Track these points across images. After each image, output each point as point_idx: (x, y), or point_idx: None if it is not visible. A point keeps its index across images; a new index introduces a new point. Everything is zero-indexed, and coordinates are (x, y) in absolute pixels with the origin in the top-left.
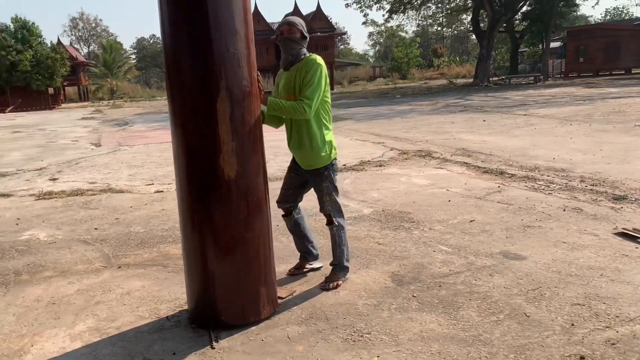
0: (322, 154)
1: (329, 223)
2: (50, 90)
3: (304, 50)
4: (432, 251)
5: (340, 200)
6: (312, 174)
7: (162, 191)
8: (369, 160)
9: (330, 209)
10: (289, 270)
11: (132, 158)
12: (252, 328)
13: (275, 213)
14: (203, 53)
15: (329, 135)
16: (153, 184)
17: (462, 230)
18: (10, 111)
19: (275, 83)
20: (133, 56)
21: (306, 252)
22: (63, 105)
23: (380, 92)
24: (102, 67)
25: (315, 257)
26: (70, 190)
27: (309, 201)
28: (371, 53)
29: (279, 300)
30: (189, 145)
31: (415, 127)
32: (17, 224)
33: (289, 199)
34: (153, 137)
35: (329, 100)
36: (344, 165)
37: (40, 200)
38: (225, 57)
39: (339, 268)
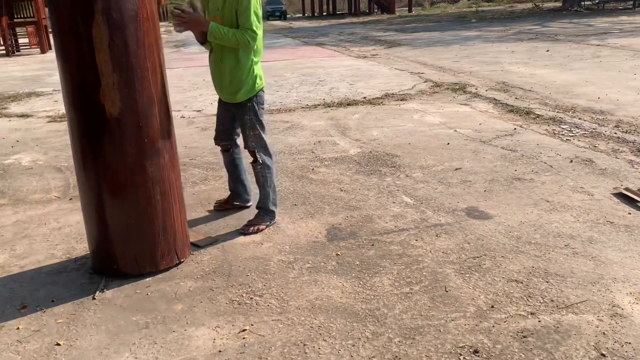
0: (246, 87)
1: (253, 161)
2: None
3: None
4: (391, 202)
5: (266, 136)
6: (235, 107)
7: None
8: (393, 93)
9: (255, 145)
10: (215, 203)
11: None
12: (147, 279)
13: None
14: None
15: (255, 67)
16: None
17: (440, 179)
18: None
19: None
20: None
21: (236, 194)
22: None
23: (459, 15)
24: None
25: (244, 202)
26: None
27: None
28: None
29: (197, 249)
30: (70, 76)
31: (468, 57)
32: (12, 147)
33: (223, 136)
34: (198, 59)
35: (261, 33)
36: (364, 97)
37: (51, 122)
38: None
39: (263, 211)
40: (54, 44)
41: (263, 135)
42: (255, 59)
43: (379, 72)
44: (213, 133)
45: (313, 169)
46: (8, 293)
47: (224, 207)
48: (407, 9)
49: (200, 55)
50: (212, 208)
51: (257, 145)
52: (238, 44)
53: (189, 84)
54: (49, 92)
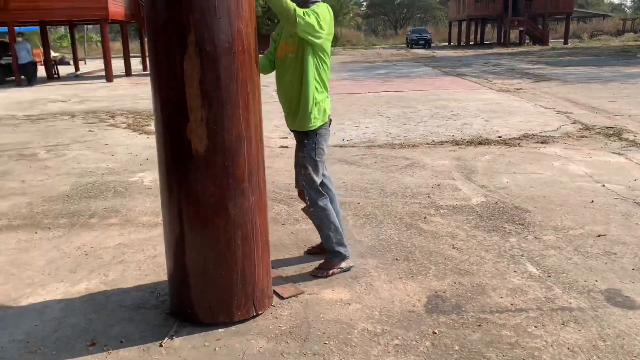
0: (309, 113)
1: (304, 202)
2: None
3: None
4: (512, 270)
5: (319, 178)
6: (297, 137)
7: (287, 147)
8: (533, 134)
9: (304, 185)
10: (308, 249)
11: None
12: (220, 330)
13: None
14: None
15: (321, 97)
16: (287, 137)
17: (577, 246)
18: None
19: (274, 34)
20: (364, 3)
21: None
22: None
23: (622, 49)
24: None
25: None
26: None
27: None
28: (628, 3)
29: (279, 299)
30: (160, 108)
31: (629, 97)
32: (140, 164)
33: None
34: (332, 87)
35: (328, 61)
36: (499, 136)
37: None
38: (196, 4)
39: (330, 254)
40: (149, 73)
41: (314, 177)
42: (318, 87)
43: (520, 109)
44: (330, 165)
45: (425, 218)
46: (85, 324)
47: (316, 252)
48: (562, 40)
49: (335, 83)
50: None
51: (307, 186)
52: (287, 13)
53: None
54: None
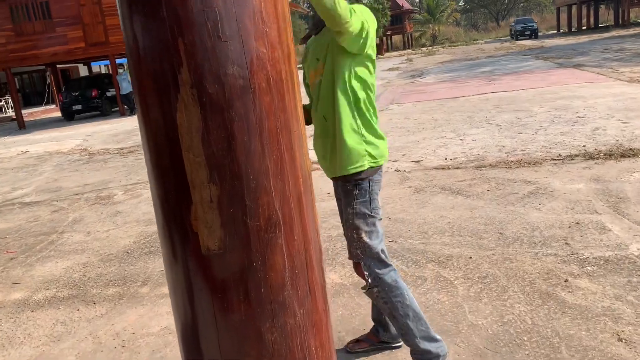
0: (354, 150)
1: (365, 280)
2: (377, 41)
3: None
4: None
5: (379, 242)
6: (339, 187)
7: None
8: None
9: (360, 254)
10: (347, 344)
11: (387, 120)
12: None
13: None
14: (152, 11)
15: (369, 130)
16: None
17: None
18: None
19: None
20: None
21: (379, 324)
22: (386, 54)
23: None
24: (426, 12)
25: (393, 336)
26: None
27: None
28: None
29: None
30: (155, 184)
31: None
32: None
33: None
34: (431, 92)
35: (373, 81)
36: None
37: None
38: (186, 21)
39: (415, 355)
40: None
41: (373, 241)
42: (365, 113)
43: None
44: (429, 196)
45: (567, 281)
46: None
47: (362, 347)
48: None
49: (434, 86)
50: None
51: (363, 256)
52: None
53: (414, 123)
54: None
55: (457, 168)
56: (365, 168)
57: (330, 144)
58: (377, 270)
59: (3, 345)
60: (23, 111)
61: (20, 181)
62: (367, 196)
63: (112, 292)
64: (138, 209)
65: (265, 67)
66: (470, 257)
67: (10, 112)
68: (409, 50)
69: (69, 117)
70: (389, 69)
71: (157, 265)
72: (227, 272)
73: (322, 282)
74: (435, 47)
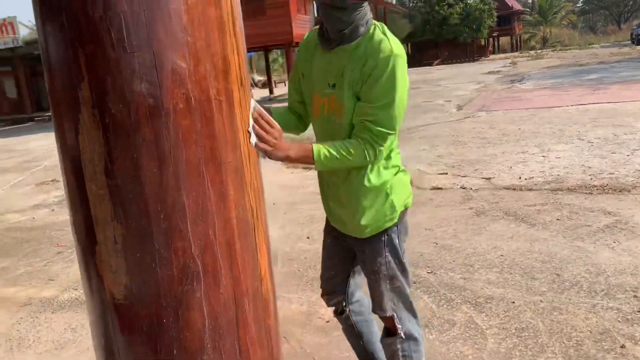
0: (378, 213)
1: (388, 334)
2: (482, 42)
3: (367, 16)
4: None
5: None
6: (358, 243)
7: (441, 188)
8: None
9: (394, 307)
10: None
11: (470, 129)
12: None
13: None
14: (54, 16)
15: (394, 175)
16: (447, 173)
17: None
18: (437, 64)
19: (293, 66)
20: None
21: None
22: (491, 56)
23: None
24: (537, 14)
25: None
26: None
27: None
28: None
29: None
30: (72, 218)
31: None
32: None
33: (334, 285)
34: (527, 99)
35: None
36: None
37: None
38: (87, 28)
39: None
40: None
41: (407, 289)
42: (393, 163)
43: None
44: (489, 222)
45: (623, 347)
46: None
47: None
48: None
49: (531, 94)
50: None
51: (398, 307)
52: (357, 161)
53: (498, 134)
54: None
55: (530, 189)
56: (394, 222)
57: (344, 199)
58: (409, 323)
59: (11, 348)
60: None
61: None
62: (399, 241)
63: None
64: None
65: (184, 84)
66: (514, 302)
67: None
68: (516, 53)
69: None
70: (489, 72)
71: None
72: (135, 326)
73: (267, 340)
74: (544, 50)
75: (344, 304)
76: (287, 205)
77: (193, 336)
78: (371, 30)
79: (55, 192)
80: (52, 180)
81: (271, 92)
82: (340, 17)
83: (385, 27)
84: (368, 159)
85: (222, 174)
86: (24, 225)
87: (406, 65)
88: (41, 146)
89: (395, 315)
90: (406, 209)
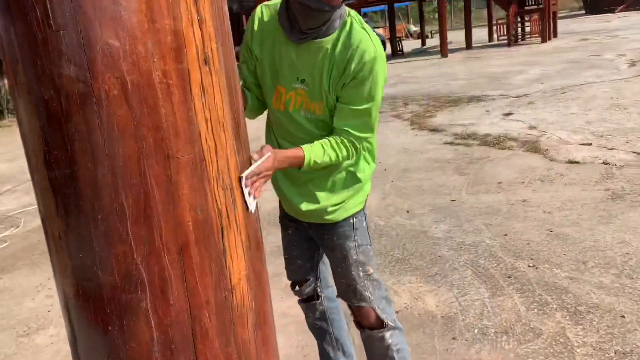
0: (354, 196)
1: (370, 327)
2: None
3: (343, 8)
4: None
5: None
6: (327, 229)
7: (579, 162)
8: None
9: (370, 297)
10: None
11: (638, 91)
12: None
13: None
14: None
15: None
16: (591, 144)
17: None
18: (620, 10)
19: (242, 44)
20: None
21: None
22: None
23: None
24: None
25: None
26: (483, 135)
27: None
28: None
29: None
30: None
31: None
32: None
33: (304, 273)
34: None
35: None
36: None
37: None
38: (15, 4)
39: None
40: None
41: (378, 276)
42: (370, 156)
43: None
44: (625, 208)
45: None
46: None
47: None
48: None
49: None
50: None
51: (375, 296)
52: (339, 159)
53: None
54: (493, 98)
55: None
56: (362, 206)
57: (307, 187)
58: (389, 311)
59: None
60: None
61: None
62: (364, 223)
63: None
64: None
65: (118, 66)
66: (623, 317)
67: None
68: None
69: None
70: None
71: None
72: (85, 328)
73: (237, 354)
74: None
75: (319, 290)
76: (398, 173)
77: (140, 348)
78: (347, 23)
79: None
80: None
81: (424, 43)
82: (321, 17)
83: (361, 18)
84: (349, 159)
85: (171, 170)
86: None
87: (385, 63)
88: None
89: (375, 305)
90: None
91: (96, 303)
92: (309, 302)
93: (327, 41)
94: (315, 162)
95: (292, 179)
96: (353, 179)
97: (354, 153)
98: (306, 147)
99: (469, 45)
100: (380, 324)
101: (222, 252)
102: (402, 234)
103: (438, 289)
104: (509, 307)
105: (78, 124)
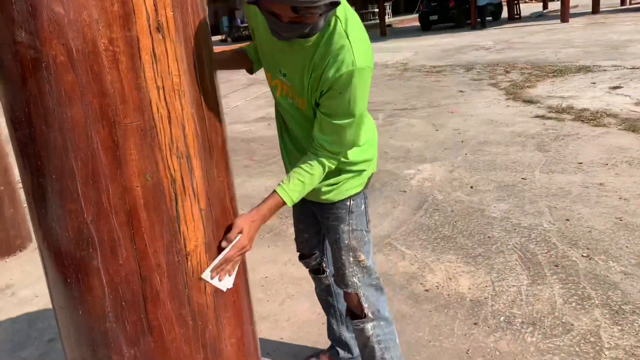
0: (352, 179)
1: (354, 314)
2: None
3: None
4: None
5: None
6: (324, 209)
7: None
8: None
9: (357, 283)
10: None
11: None
12: None
13: None
14: None
15: (364, 142)
16: None
17: None
18: None
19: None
20: None
21: (338, 343)
22: None
23: None
24: None
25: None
26: (580, 110)
27: None
28: None
29: None
30: None
31: None
32: (445, 149)
33: (311, 247)
34: None
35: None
36: None
37: (540, 118)
38: None
39: None
40: None
41: (371, 264)
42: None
43: None
44: None
45: None
46: None
47: None
48: None
49: None
50: None
51: (363, 283)
52: (320, 179)
53: None
54: (605, 69)
55: None
56: (361, 188)
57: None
58: (376, 302)
59: None
60: (394, 18)
61: None
62: (363, 207)
63: None
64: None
65: (63, 34)
66: None
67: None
68: None
69: (426, 27)
70: None
71: None
72: (54, 277)
73: (193, 319)
74: None
75: (324, 265)
76: (475, 145)
77: (95, 302)
78: (331, 25)
79: None
80: None
81: (545, 6)
82: (305, 31)
83: (350, 20)
84: (332, 168)
85: (117, 136)
86: (242, 135)
87: (370, 74)
88: None
89: (359, 292)
90: (370, 176)
91: (58, 257)
92: (316, 274)
93: (309, 41)
94: (297, 197)
95: (291, 156)
96: (350, 163)
97: (331, 167)
98: (281, 190)
99: (595, 9)
100: (363, 313)
101: (176, 219)
102: (458, 211)
103: (476, 271)
104: (545, 297)
105: (32, 88)
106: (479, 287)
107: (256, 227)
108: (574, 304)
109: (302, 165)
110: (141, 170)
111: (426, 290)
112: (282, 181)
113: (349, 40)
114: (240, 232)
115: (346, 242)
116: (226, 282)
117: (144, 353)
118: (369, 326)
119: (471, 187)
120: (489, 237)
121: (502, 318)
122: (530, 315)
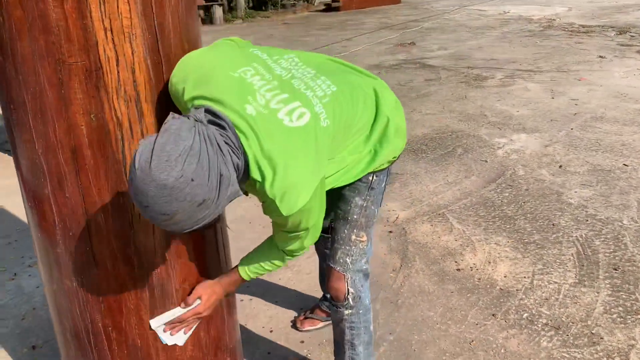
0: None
1: (336, 293)
2: None
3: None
4: None
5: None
6: None
7: None
8: None
9: (349, 264)
10: (297, 321)
11: None
12: None
13: None
14: None
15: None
16: None
17: None
18: None
19: None
20: None
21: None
22: None
23: None
24: None
25: None
26: None
27: None
28: None
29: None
30: None
31: None
32: (541, 120)
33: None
34: None
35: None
36: None
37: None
38: None
39: None
40: None
41: (370, 249)
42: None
43: None
44: None
45: None
46: None
47: (313, 324)
48: None
49: None
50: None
51: (353, 266)
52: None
53: None
54: None
55: None
56: (386, 167)
57: None
58: (361, 288)
59: None
60: None
61: (455, 42)
62: (384, 184)
63: None
64: (487, 101)
65: None
66: None
67: None
68: None
69: None
70: None
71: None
72: (25, 201)
73: (137, 258)
74: None
75: (333, 225)
76: (586, 120)
77: (48, 227)
78: (257, 185)
79: (400, 55)
80: (410, 43)
81: None
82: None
83: (276, 173)
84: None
85: (62, 74)
86: None
87: (324, 191)
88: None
89: (348, 275)
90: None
91: (24, 183)
92: (325, 233)
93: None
94: (255, 277)
95: None
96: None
97: (282, 261)
98: (243, 271)
99: None
100: (344, 297)
101: (122, 161)
102: (533, 191)
103: (522, 259)
104: (585, 302)
105: None
106: (516, 276)
107: (215, 300)
108: (614, 316)
109: (268, 253)
110: (85, 109)
111: (457, 270)
112: (245, 258)
113: (270, 198)
114: (199, 298)
115: (355, 216)
116: (177, 339)
117: (90, 283)
118: (346, 312)
119: (560, 166)
120: (553, 224)
121: (525, 315)
122: (558, 318)
